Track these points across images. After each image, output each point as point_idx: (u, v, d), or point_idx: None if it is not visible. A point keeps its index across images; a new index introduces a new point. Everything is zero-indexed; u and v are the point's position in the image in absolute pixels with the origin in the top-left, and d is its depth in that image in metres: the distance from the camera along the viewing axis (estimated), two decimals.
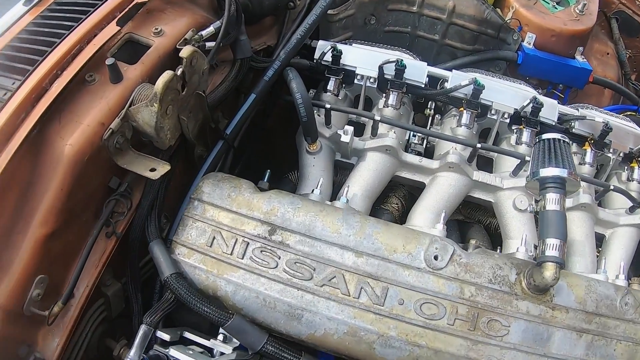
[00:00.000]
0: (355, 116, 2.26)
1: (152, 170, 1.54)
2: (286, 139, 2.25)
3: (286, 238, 1.66)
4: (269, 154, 2.68)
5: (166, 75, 1.49)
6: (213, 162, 1.93)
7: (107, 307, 1.75)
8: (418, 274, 1.58)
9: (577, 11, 2.64)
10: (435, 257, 1.60)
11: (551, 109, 2.21)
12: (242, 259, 1.64)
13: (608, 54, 3.13)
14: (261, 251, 1.65)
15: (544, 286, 1.55)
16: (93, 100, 1.55)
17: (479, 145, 1.99)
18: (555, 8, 2.67)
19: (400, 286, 1.58)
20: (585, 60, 2.71)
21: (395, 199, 2.22)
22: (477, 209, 2.26)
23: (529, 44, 2.59)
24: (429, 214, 1.99)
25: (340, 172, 2.21)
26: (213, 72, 1.94)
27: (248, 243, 1.66)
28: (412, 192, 2.26)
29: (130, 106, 1.52)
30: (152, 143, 1.66)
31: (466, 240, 2.08)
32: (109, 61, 1.53)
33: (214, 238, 1.68)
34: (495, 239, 2.18)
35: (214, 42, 1.79)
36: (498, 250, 2.04)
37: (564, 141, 1.66)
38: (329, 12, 2.33)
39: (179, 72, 1.54)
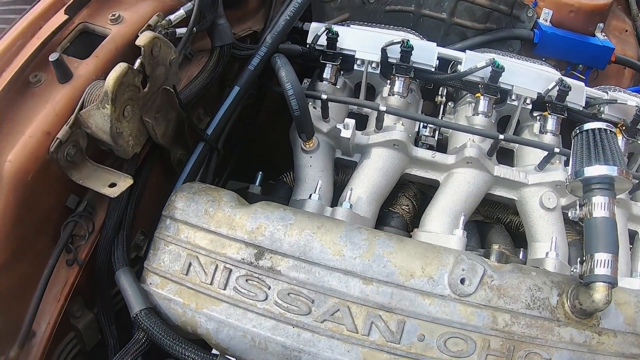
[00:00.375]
0: (356, 107, 1.97)
1: (112, 185, 1.26)
2: (281, 134, 1.97)
3: (277, 263, 1.35)
4: (264, 152, 2.39)
5: (118, 68, 1.19)
6: (194, 168, 1.63)
7: (79, 340, 1.50)
8: (441, 302, 1.28)
9: None
10: (462, 281, 1.30)
11: (578, 93, 1.91)
12: (225, 289, 1.34)
13: (626, 31, 2.83)
14: (247, 280, 1.34)
15: (593, 310, 1.26)
16: (37, 106, 1.26)
17: (501, 137, 1.69)
18: None
19: (419, 319, 1.27)
20: (606, 37, 2.42)
21: (405, 200, 1.93)
22: (495, 206, 1.98)
23: (546, 20, 2.29)
24: (445, 217, 1.71)
25: (342, 170, 1.92)
26: (189, 64, 1.64)
27: (231, 270, 1.35)
28: (423, 191, 1.99)
29: (80, 110, 1.23)
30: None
31: (487, 245, 1.82)
32: (53, 57, 1.24)
33: (190, 264, 1.38)
34: (516, 239, 1.90)
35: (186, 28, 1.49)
36: (521, 254, 1.78)
37: (610, 131, 1.36)
38: None
39: (136, 64, 1.25)
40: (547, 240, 1.71)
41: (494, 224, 1.97)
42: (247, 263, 1.36)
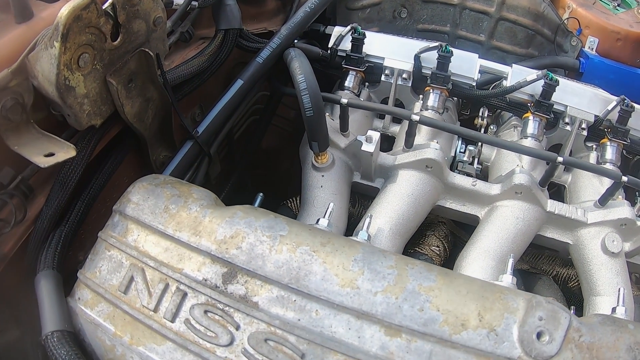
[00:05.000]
0: (381, 126, 1.59)
1: (49, 155, 0.87)
2: (290, 162, 1.58)
3: (253, 291, 0.87)
4: (270, 181, 2.00)
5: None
6: (178, 170, 1.23)
7: None
8: None
9: None
10: (540, 335, 0.82)
11: (638, 118, 1.53)
12: (173, 321, 0.86)
13: None
14: (205, 312, 0.87)
15: None
16: None
17: (560, 159, 1.28)
18: (617, 10, 2.07)
19: None
20: None
21: (435, 240, 1.49)
22: (538, 256, 1.55)
23: (592, 49, 1.95)
24: (489, 259, 1.27)
25: (360, 201, 1.51)
26: (186, 47, 1.28)
27: (185, 294, 0.89)
28: (455, 233, 1.56)
29: (29, 53, 0.86)
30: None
31: None
32: None
33: (131, 279, 0.91)
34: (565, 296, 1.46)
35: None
36: (572, 311, 1.32)
37: None
38: None
39: (107, 4, 0.88)
40: (611, 293, 1.29)
41: (541, 274, 1.53)
42: (210, 286, 0.88)
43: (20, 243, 0.99)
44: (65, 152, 0.88)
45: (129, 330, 0.88)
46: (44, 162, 0.86)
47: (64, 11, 0.81)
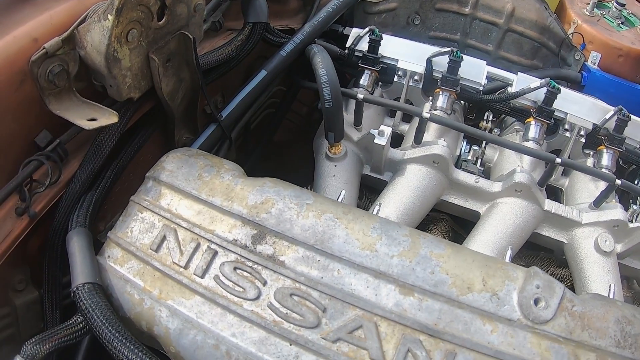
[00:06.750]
0: (391, 124, 1.67)
1: (92, 120, 0.94)
2: (299, 158, 1.66)
3: (281, 251, 0.94)
4: (280, 173, 2.07)
5: None
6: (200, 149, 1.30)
7: (12, 321, 1.11)
8: (508, 330, 0.86)
9: None
10: (537, 302, 0.89)
11: (635, 128, 1.60)
12: (202, 277, 0.93)
13: None
14: (235, 268, 0.93)
15: None
16: (34, 13, 0.98)
17: (558, 160, 1.35)
18: (620, 27, 2.15)
19: (476, 350, 0.84)
20: None
21: (438, 234, 1.57)
22: (533, 256, 1.61)
23: (594, 63, 2.02)
24: (488, 251, 1.34)
25: (367, 195, 1.58)
26: (216, 36, 1.36)
27: (216, 252, 0.95)
28: (455, 230, 1.63)
29: (80, 25, 0.94)
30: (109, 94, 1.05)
31: None
32: None
33: (163, 238, 0.98)
34: None
35: None
36: None
37: None
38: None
39: None
40: (602, 289, 1.33)
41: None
42: (241, 246, 0.94)
43: (51, 205, 1.05)
44: (107, 117, 0.96)
45: (158, 285, 0.94)
46: (88, 125, 0.94)
47: None
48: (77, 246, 0.99)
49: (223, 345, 0.88)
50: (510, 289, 0.89)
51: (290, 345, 0.86)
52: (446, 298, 0.87)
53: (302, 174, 1.57)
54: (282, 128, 1.95)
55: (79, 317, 0.92)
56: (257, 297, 0.90)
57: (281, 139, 2.01)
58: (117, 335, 0.86)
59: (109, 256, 1.02)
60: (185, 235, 0.97)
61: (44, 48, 0.93)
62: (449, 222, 1.61)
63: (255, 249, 0.94)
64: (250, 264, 0.92)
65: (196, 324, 0.90)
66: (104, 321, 0.88)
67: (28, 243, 1.07)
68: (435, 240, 0.96)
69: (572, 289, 1.47)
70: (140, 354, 0.84)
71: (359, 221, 0.97)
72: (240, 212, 0.98)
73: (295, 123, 1.99)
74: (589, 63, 2.02)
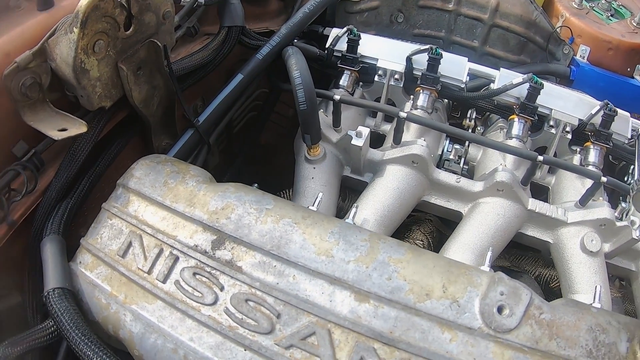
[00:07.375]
0: (373, 125, 1.65)
1: (63, 130, 0.95)
2: (284, 159, 1.65)
3: (238, 256, 0.95)
4: (266, 176, 2.06)
5: None
6: (178, 156, 1.30)
7: None
8: (468, 338, 0.84)
9: (634, 24, 2.06)
10: (500, 309, 0.86)
11: (622, 123, 1.56)
12: (164, 282, 0.95)
13: None
14: (194, 274, 0.95)
15: None
16: (6, 28, 1.01)
17: (540, 158, 1.32)
18: (610, 20, 2.11)
19: None
20: None
21: (420, 235, 1.54)
22: (521, 256, 1.59)
23: (583, 57, 1.99)
24: (468, 253, 1.32)
25: (350, 196, 1.57)
26: (192, 41, 1.36)
27: (177, 258, 0.97)
28: (440, 230, 1.61)
29: (49, 38, 0.96)
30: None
31: None
32: None
33: (129, 244, 1.01)
34: (547, 296, 1.49)
35: None
36: None
37: None
38: None
39: None
40: (588, 291, 1.31)
41: (523, 273, 1.57)
42: (201, 251, 0.96)
43: (29, 212, 1.07)
44: (77, 127, 0.97)
45: (123, 290, 0.97)
46: (57, 135, 0.95)
47: (84, 1, 0.91)
48: (49, 252, 1.02)
49: (181, 350, 0.89)
50: (472, 296, 0.86)
51: (245, 350, 0.87)
52: (403, 305, 0.86)
53: (288, 176, 1.57)
54: (268, 131, 1.94)
55: (51, 321, 0.95)
56: (215, 302, 0.91)
57: (268, 141, 1.99)
58: (83, 338, 0.89)
59: (80, 262, 1.05)
60: (150, 241, 0.99)
61: (15, 62, 0.95)
62: (435, 222, 1.59)
63: (214, 254, 0.95)
64: (209, 269, 0.94)
65: (157, 328, 0.92)
66: (71, 325, 0.91)
67: (9, 250, 1.09)
68: (396, 244, 0.94)
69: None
70: (104, 356, 0.87)
71: (317, 226, 0.96)
72: (201, 218, 0.99)
73: (281, 125, 1.98)
74: (578, 57, 1.99)
